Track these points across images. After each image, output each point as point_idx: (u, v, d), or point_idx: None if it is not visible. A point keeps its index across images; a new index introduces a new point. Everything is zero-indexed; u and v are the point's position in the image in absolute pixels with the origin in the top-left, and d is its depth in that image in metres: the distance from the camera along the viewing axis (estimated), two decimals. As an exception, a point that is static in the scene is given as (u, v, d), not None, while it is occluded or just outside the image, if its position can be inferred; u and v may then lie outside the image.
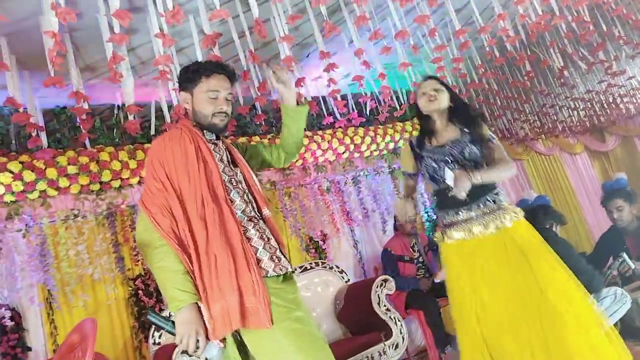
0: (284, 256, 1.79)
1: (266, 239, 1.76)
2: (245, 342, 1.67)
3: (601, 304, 3.14)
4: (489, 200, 2.25)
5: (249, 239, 1.71)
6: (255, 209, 1.83)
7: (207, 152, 1.76)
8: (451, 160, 2.28)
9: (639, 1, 4.07)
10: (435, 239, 2.45)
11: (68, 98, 2.98)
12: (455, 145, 2.32)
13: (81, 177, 3.54)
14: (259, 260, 1.68)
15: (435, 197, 2.43)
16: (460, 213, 2.27)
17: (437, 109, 2.36)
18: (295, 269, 1.84)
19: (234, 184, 1.80)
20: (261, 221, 1.80)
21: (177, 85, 3.07)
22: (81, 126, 3.12)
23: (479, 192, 2.23)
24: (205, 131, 1.85)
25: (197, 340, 1.57)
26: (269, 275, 1.68)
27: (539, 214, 3.47)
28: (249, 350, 1.68)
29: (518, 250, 2.17)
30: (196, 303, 1.61)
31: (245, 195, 1.81)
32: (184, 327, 1.57)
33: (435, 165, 2.31)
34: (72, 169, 3.49)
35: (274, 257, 1.74)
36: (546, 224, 3.38)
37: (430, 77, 2.50)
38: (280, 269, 1.72)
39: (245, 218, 1.76)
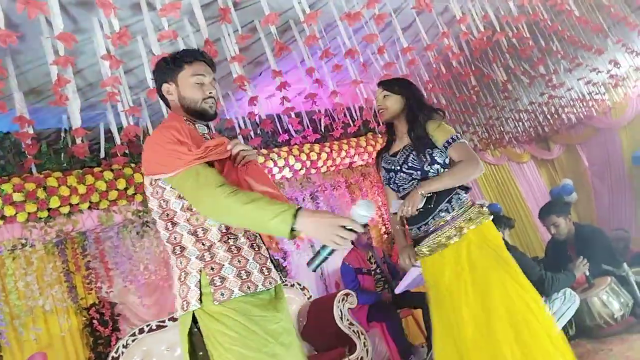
0: (274, 266, 1.73)
1: (257, 248, 1.69)
2: (208, 347, 1.56)
3: (552, 305, 3.27)
4: (441, 211, 2.16)
5: (238, 249, 1.63)
6: None
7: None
8: (397, 170, 2.24)
9: (572, 18, 4.32)
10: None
11: (11, 123, 2.88)
12: (401, 154, 2.27)
13: (28, 204, 3.40)
14: (248, 274, 1.61)
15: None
16: (420, 228, 2.22)
17: (388, 118, 2.30)
18: (285, 280, 1.73)
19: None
20: None
21: (127, 107, 3.05)
22: (26, 151, 3.02)
23: (428, 208, 2.16)
24: (197, 125, 1.76)
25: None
26: (257, 291, 1.61)
27: None
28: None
29: (471, 264, 2.12)
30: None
31: None
32: (324, 228, 1.40)
33: (388, 176, 2.27)
34: (18, 197, 3.35)
35: (264, 268, 1.67)
36: None
37: (379, 84, 2.37)
38: (270, 282, 1.66)
39: None
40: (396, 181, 2.25)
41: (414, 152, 2.22)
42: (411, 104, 2.27)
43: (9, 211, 3.34)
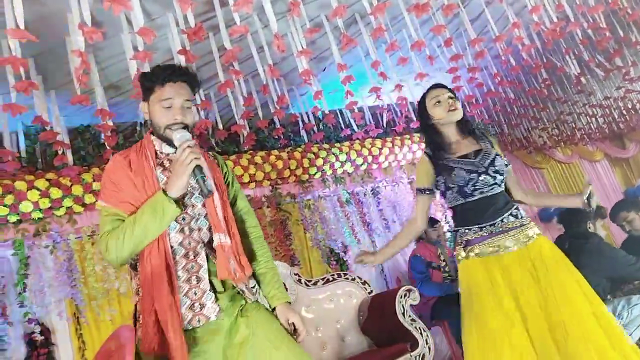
0: (218, 297, 1.59)
1: (195, 282, 1.57)
2: None
3: (631, 311, 3.08)
4: (511, 215, 2.17)
5: (178, 278, 1.55)
6: (206, 237, 1.63)
7: (148, 175, 1.61)
8: (482, 172, 2.18)
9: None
10: (456, 255, 2.28)
11: (92, 116, 3.07)
12: (483, 156, 2.22)
13: (106, 193, 3.60)
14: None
15: (456, 212, 2.27)
16: (484, 229, 2.17)
17: (457, 119, 2.25)
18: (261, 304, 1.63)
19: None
20: (202, 255, 1.60)
21: (198, 101, 3.17)
22: (106, 143, 3.20)
23: (501, 209, 2.17)
24: (164, 144, 1.67)
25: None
26: (185, 329, 1.52)
27: (575, 215, 3.33)
28: None
29: (544, 266, 2.09)
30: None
31: (192, 222, 1.62)
32: (179, 168, 1.51)
33: (468, 177, 2.18)
34: (97, 186, 3.56)
35: (196, 304, 1.55)
36: (584, 224, 3.28)
37: (441, 86, 2.34)
38: (199, 320, 1.54)
39: (182, 252, 1.58)
40: (476, 183, 2.17)
41: (499, 156, 2.22)
42: (466, 117, 2.32)
43: (88, 199, 3.56)
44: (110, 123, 3.01)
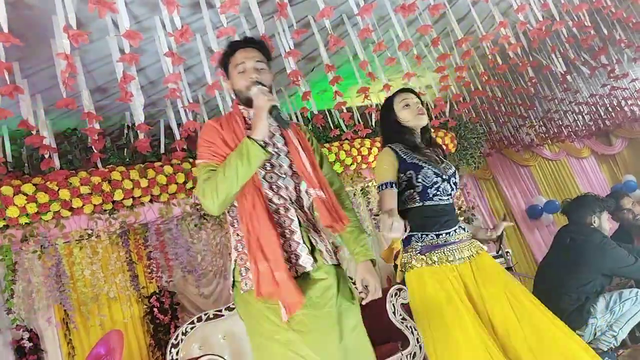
0: (311, 251, 1.67)
1: (288, 235, 1.66)
2: None
3: (622, 306, 3.12)
4: (460, 228, 2.18)
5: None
6: (293, 196, 1.72)
7: (238, 133, 1.70)
8: (445, 179, 2.16)
9: (638, 4, 4.10)
10: (403, 261, 2.13)
11: (79, 119, 3.04)
12: (446, 165, 2.22)
13: (94, 197, 3.58)
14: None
15: (410, 215, 2.13)
16: (441, 236, 2.11)
17: (423, 124, 2.22)
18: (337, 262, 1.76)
19: (268, 168, 1.70)
20: (292, 210, 1.69)
21: (186, 103, 3.15)
22: (93, 146, 3.17)
23: (455, 220, 2.19)
24: (251, 110, 1.74)
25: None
26: None
27: (581, 206, 3.27)
28: None
29: (494, 277, 2.09)
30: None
31: (279, 181, 1.70)
32: (258, 112, 1.63)
33: (434, 180, 2.13)
34: (84, 189, 3.53)
35: (292, 256, 1.64)
36: (589, 217, 3.23)
37: (409, 90, 2.31)
38: (296, 271, 1.62)
39: (273, 208, 1.67)
40: (439, 188, 2.14)
41: (457, 172, 2.26)
42: (428, 128, 2.31)
43: (76, 203, 3.53)
44: (97, 126, 2.98)
